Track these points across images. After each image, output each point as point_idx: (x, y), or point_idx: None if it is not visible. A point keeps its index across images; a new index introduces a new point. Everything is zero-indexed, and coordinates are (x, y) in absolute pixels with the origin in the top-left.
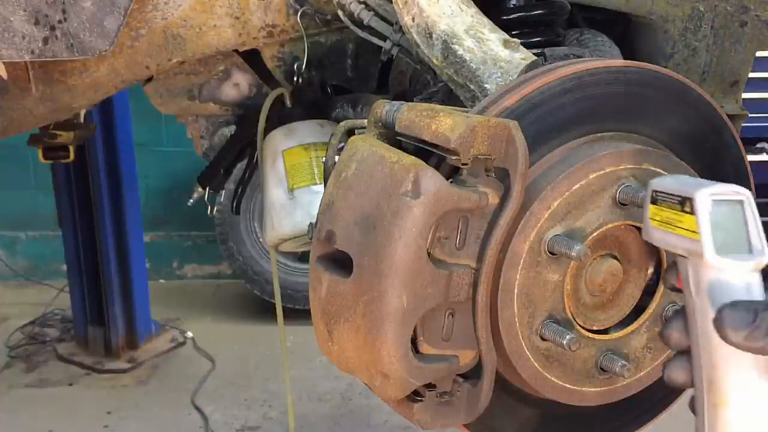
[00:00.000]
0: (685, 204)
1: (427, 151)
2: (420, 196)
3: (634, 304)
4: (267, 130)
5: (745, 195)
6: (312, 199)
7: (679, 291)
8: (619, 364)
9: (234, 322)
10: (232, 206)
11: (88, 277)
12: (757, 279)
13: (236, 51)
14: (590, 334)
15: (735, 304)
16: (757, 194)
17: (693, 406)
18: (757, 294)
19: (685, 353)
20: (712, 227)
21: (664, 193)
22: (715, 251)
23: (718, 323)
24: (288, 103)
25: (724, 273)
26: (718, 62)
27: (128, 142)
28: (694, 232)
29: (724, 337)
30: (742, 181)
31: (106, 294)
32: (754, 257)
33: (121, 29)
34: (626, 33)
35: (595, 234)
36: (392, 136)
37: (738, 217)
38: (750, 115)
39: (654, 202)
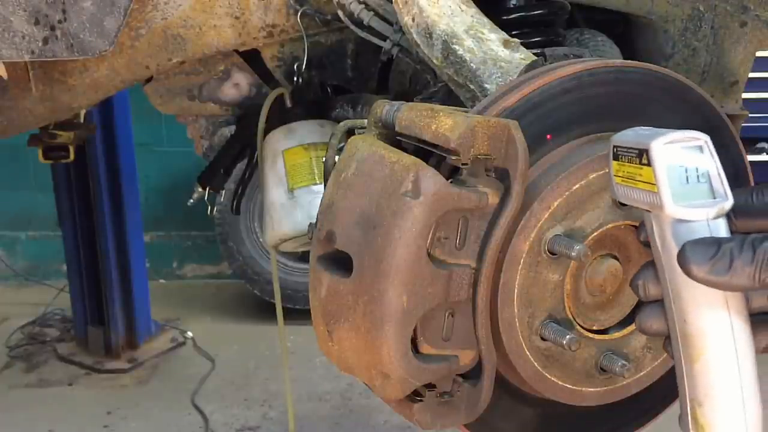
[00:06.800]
0: (642, 156)
1: (427, 151)
2: (420, 196)
3: (634, 304)
4: (267, 130)
5: (703, 139)
6: (312, 199)
7: (649, 246)
8: (619, 364)
9: (234, 322)
10: (232, 206)
11: (88, 277)
12: (722, 224)
13: (236, 51)
14: (590, 334)
15: (698, 240)
16: None
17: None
18: (723, 236)
19: (658, 302)
20: (670, 177)
21: (623, 147)
22: (674, 201)
23: (681, 259)
24: (288, 103)
25: (687, 221)
26: (718, 62)
27: (128, 142)
28: (652, 184)
29: (687, 273)
30: (742, 182)
31: (106, 294)
32: (716, 203)
33: (121, 29)
34: (626, 33)
35: (595, 234)
36: (392, 136)
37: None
38: (750, 115)
39: (616, 157)
